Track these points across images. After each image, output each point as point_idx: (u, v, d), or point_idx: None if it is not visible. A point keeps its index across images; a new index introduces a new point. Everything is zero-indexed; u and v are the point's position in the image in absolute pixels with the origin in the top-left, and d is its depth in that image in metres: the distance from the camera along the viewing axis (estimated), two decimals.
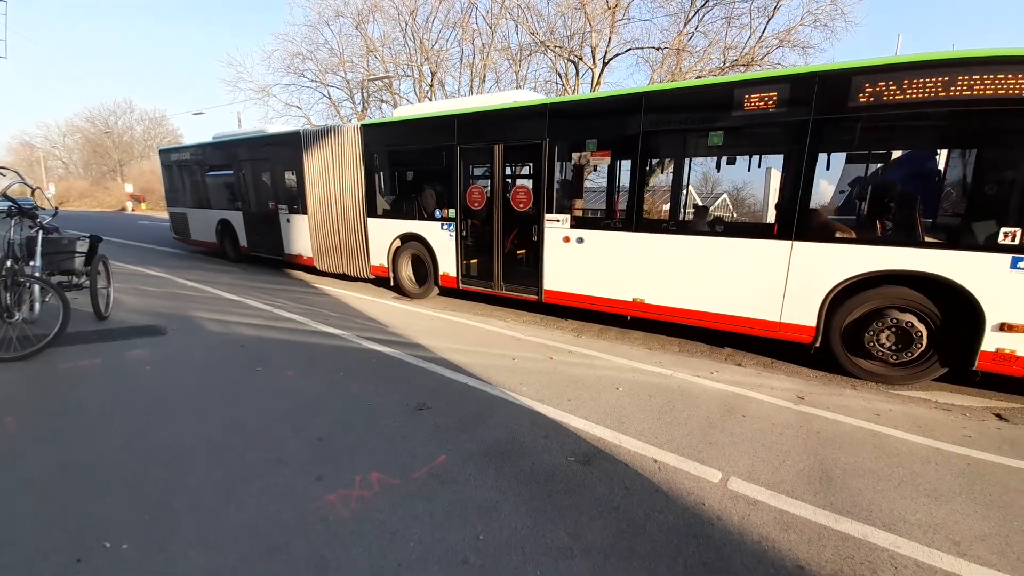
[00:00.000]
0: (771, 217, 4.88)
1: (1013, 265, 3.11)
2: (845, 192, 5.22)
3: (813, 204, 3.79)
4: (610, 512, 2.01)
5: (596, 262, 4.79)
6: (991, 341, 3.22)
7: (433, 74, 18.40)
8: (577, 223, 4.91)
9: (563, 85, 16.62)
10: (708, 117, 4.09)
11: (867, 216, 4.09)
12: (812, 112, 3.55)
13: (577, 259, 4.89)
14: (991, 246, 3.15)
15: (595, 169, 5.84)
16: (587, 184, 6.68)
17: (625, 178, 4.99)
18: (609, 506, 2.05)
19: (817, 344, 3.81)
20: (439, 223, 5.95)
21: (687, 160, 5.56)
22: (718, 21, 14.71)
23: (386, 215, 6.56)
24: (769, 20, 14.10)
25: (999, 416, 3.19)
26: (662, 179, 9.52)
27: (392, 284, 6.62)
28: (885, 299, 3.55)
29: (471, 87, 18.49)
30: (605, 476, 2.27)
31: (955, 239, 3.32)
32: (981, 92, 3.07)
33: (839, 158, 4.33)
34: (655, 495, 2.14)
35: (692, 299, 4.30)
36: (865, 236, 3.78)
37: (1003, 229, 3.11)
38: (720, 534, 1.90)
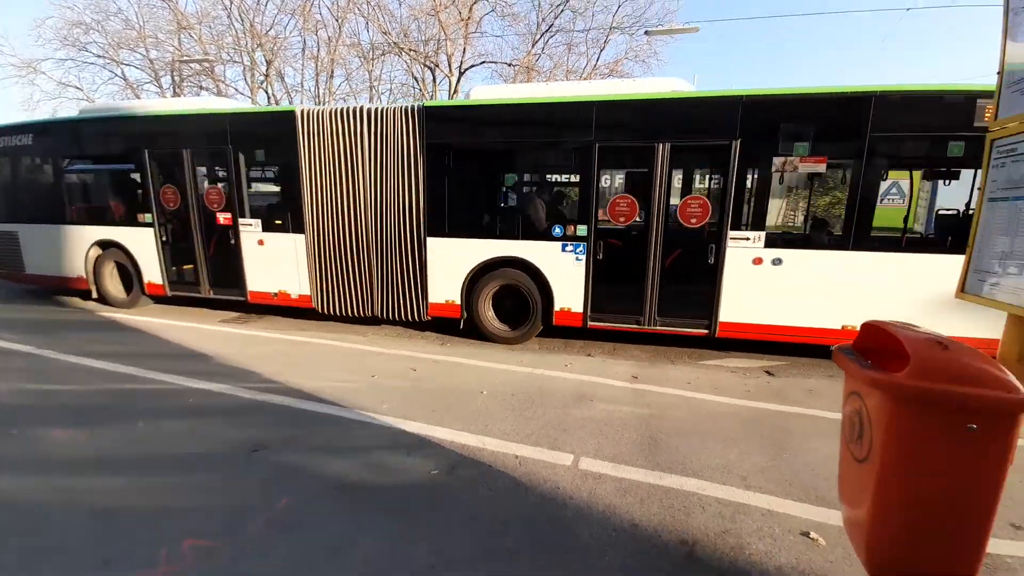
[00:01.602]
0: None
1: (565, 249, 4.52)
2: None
3: None
4: (473, 518, 2.02)
5: (798, 286, 4.17)
6: (558, 303, 4.61)
7: (269, 63, 16.51)
8: (774, 242, 4.20)
9: (420, 90, 16.55)
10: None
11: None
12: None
13: (771, 284, 4.20)
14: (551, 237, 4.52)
15: (797, 177, 5.00)
16: (783, 196, 5.48)
17: (840, 189, 4.48)
18: (472, 512, 2.06)
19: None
20: (559, 243, 4.60)
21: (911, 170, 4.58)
22: (560, 46, 16.41)
23: (459, 234, 4.87)
24: (601, 51, 16.29)
25: (768, 372, 4.14)
26: (885, 190, 7.33)
27: (463, 326, 5.03)
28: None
29: (316, 82, 17.14)
30: (468, 482, 2.27)
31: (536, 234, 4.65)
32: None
33: None
34: (516, 490, 2.23)
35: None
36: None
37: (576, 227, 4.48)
38: (572, 512, 2.07)
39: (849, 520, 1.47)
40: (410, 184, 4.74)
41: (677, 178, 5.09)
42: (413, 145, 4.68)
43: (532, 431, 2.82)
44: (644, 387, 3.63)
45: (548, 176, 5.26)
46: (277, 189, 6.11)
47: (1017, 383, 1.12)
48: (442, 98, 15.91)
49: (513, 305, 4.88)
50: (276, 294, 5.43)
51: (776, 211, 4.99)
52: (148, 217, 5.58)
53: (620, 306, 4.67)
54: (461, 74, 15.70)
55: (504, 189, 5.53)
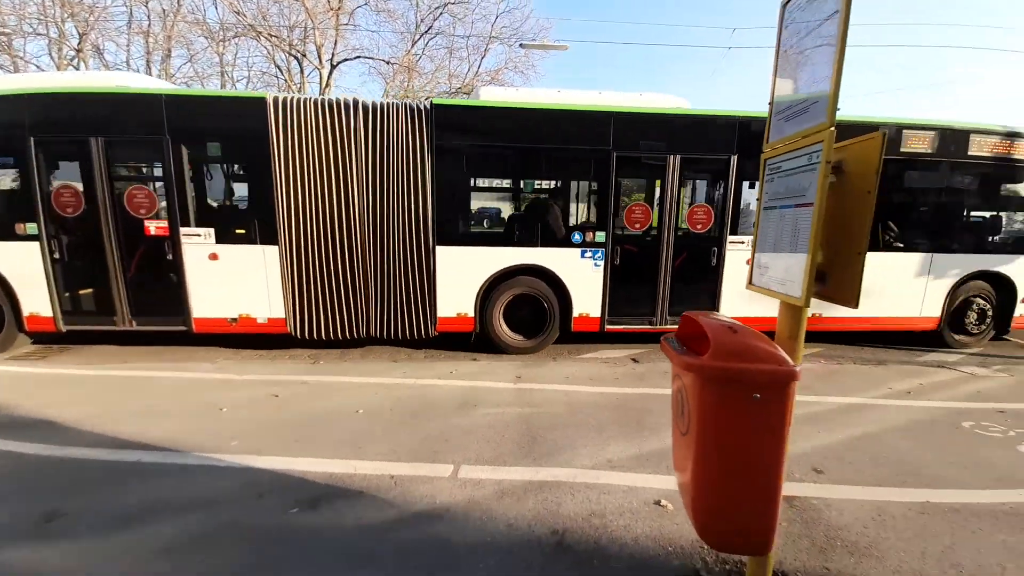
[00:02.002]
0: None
1: (584, 255, 4.69)
2: None
3: None
4: (334, 557, 1.85)
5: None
6: (577, 309, 4.73)
7: (83, 36, 13.49)
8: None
9: (286, 80, 15.07)
10: None
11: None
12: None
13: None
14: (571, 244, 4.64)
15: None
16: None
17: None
18: (336, 548, 1.88)
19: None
20: (578, 250, 4.60)
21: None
22: (441, 50, 16.32)
23: (475, 241, 4.66)
24: (482, 58, 16.60)
25: (634, 360, 4.60)
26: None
27: (475, 338, 4.74)
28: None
29: (147, 61, 14.52)
30: (335, 516, 2.08)
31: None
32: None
33: None
34: (390, 512, 2.10)
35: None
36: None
37: (595, 234, 4.66)
38: (448, 525, 2.02)
39: (680, 486, 1.68)
40: (417, 188, 4.32)
41: (683, 188, 5.17)
42: (420, 146, 4.29)
43: (412, 447, 2.71)
44: (527, 386, 3.75)
45: (566, 183, 5.12)
46: (237, 192, 4.92)
47: (787, 357, 1.38)
48: (312, 91, 14.69)
49: (527, 314, 4.75)
50: (235, 320, 4.45)
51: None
52: (32, 227, 4.22)
53: (635, 309, 4.87)
54: (333, 67, 14.68)
55: (522, 195, 5.27)
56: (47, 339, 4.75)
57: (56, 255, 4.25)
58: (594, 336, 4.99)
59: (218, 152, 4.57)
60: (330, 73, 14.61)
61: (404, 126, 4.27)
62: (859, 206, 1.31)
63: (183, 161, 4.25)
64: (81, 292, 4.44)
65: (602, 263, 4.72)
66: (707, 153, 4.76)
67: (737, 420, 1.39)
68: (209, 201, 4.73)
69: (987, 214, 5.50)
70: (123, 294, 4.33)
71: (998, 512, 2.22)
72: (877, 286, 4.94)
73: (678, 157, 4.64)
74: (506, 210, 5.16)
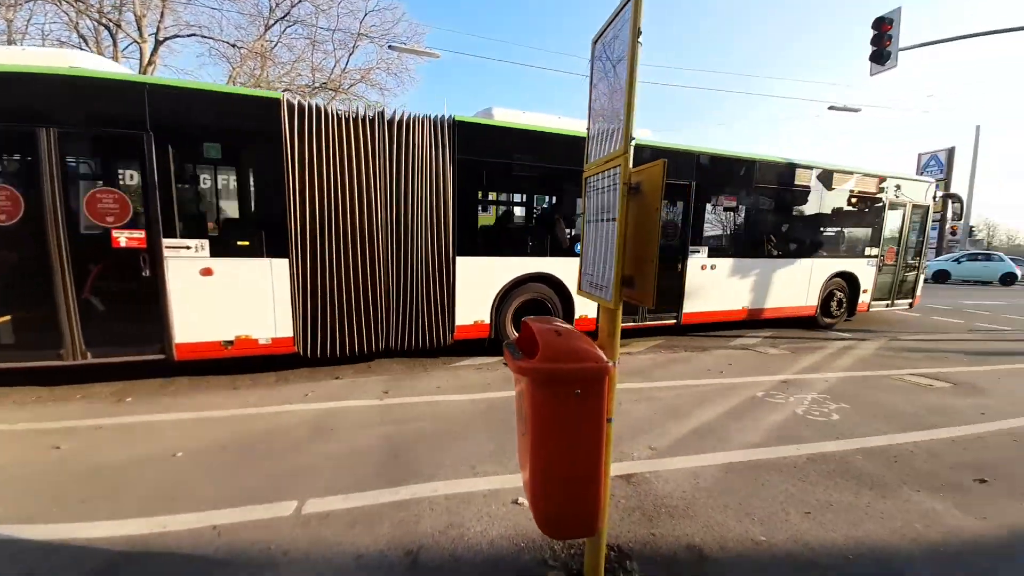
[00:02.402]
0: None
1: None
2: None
3: None
4: None
5: (721, 283, 6.26)
6: (578, 312, 5.38)
7: None
8: (713, 254, 6.14)
9: (96, 54, 12.28)
10: None
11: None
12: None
13: (711, 281, 6.14)
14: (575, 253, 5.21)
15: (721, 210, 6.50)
16: (714, 223, 6.61)
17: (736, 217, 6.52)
18: None
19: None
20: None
21: None
22: (302, 39, 14.96)
23: (493, 252, 4.90)
24: (350, 55, 15.66)
25: (506, 364, 4.75)
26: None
27: (488, 344, 5.05)
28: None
29: None
30: None
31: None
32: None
33: None
34: (210, 572, 1.79)
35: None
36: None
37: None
38: (284, 572, 1.80)
39: (524, 484, 1.75)
40: (439, 200, 4.41)
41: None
42: (443, 160, 4.39)
43: (248, 488, 2.37)
44: (395, 401, 3.59)
45: (569, 198, 5.52)
46: (238, 201, 4.25)
47: (602, 354, 1.54)
48: (129, 66, 12.21)
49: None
50: (231, 342, 3.98)
51: (712, 232, 6.48)
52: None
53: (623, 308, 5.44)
54: (159, 43, 12.45)
55: (534, 209, 5.64)
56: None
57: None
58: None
59: (217, 155, 3.96)
60: (154, 50, 12.36)
61: (427, 139, 4.33)
62: (650, 222, 1.53)
63: (169, 163, 3.63)
64: (8, 318, 3.49)
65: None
66: (675, 180, 5.78)
67: (563, 415, 1.50)
68: (201, 210, 4.11)
69: (838, 230, 7.51)
70: (74, 320, 3.50)
71: (781, 465, 2.79)
72: (782, 284, 6.81)
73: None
74: (524, 223, 5.62)
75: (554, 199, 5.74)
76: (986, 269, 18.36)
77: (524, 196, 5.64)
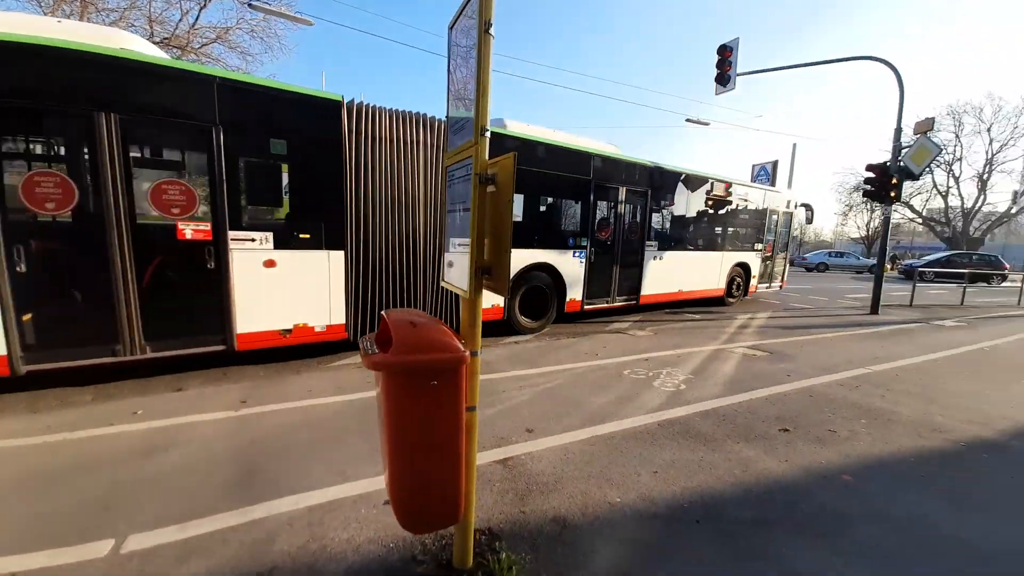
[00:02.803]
0: None
1: (574, 255, 6.37)
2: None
3: None
4: None
5: (672, 268, 7.83)
6: (569, 295, 6.41)
7: None
8: (661, 247, 7.62)
9: None
10: None
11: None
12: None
13: (663, 267, 7.65)
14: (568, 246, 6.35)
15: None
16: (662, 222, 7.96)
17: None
18: None
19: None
20: (572, 251, 6.31)
21: None
22: None
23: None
24: (202, 9, 13.45)
25: None
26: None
27: (502, 324, 5.81)
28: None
29: None
30: None
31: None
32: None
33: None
34: None
35: None
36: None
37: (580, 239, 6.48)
38: None
39: (385, 481, 1.70)
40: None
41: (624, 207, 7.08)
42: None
43: (45, 533, 1.91)
44: (255, 410, 3.21)
45: (564, 200, 6.46)
46: (300, 195, 4.18)
47: (459, 344, 1.54)
48: None
49: (533, 302, 6.05)
50: (289, 331, 4.12)
51: (658, 230, 7.74)
52: (582, 241, 5.76)
53: (599, 293, 6.83)
54: None
55: (541, 209, 6.40)
56: (566, 318, 6.59)
57: (19, 265, 3.03)
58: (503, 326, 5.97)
59: (283, 151, 4.02)
60: None
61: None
62: (505, 213, 1.57)
63: (237, 157, 3.75)
64: (61, 316, 3.28)
65: (584, 260, 6.48)
66: (636, 186, 7.09)
67: (420, 407, 1.48)
68: (266, 204, 4.20)
69: (737, 229, 9.37)
70: (134, 314, 3.42)
71: (638, 433, 3.13)
72: (703, 272, 8.64)
73: (624, 188, 6.90)
74: (534, 221, 6.27)
75: (553, 201, 6.53)
76: (846, 262, 25.68)
77: (537, 199, 6.34)
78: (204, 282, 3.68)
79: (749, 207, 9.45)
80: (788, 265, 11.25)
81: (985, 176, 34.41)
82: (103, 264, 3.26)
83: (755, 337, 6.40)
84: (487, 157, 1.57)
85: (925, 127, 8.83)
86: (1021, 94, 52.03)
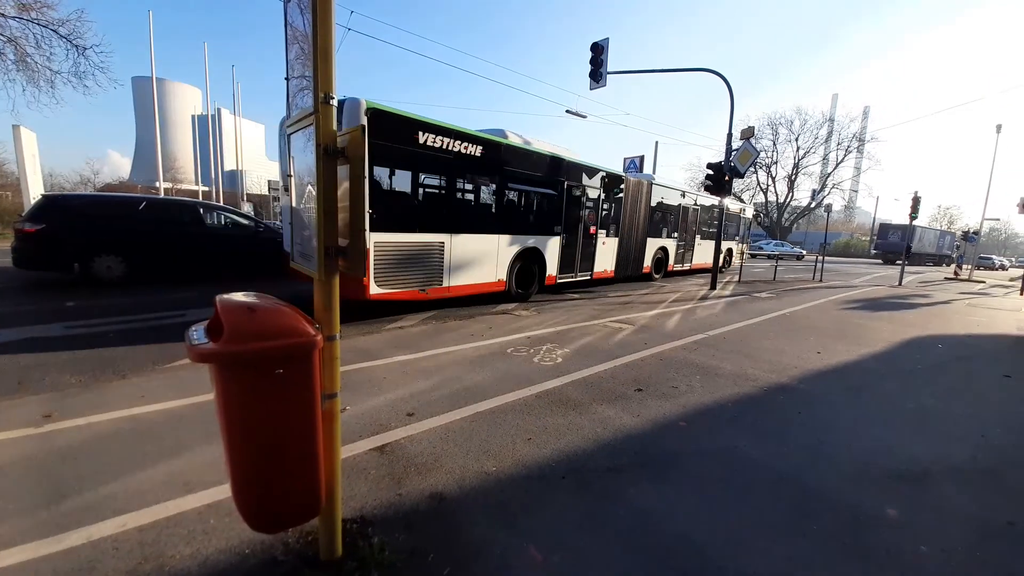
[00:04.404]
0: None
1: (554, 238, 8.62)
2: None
3: None
4: None
5: (612, 250, 10.43)
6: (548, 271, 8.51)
7: None
8: (604, 232, 10.08)
9: None
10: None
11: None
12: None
13: (608, 249, 10.24)
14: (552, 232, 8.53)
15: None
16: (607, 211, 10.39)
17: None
18: None
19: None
20: (555, 236, 8.53)
21: None
22: None
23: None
24: None
25: None
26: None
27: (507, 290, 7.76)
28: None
29: None
30: None
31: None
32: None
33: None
34: None
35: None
36: None
37: (556, 227, 8.50)
38: None
39: (230, 485, 1.55)
40: None
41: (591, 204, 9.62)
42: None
43: None
44: (61, 425, 2.63)
45: (548, 196, 8.28)
46: (605, 214, 9.96)
47: (310, 328, 1.45)
48: None
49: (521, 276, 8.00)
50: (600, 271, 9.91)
51: (605, 219, 10.11)
52: (558, 228, 8.52)
53: (566, 269, 8.92)
54: None
55: (532, 204, 8.17)
56: (547, 290, 8.98)
57: (565, 244, 8.59)
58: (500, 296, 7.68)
59: (605, 196, 9.75)
60: None
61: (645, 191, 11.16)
62: (357, 189, 1.50)
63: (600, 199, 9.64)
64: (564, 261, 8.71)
65: (558, 243, 8.55)
66: (592, 187, 9.38)
67: (264, 400, 1.36)
68: (604, 217, 9.82)
69: (660, 221, 12.40)
70: (578, 260, 9.11)
71: (517, 406, 3.30)
72: (636, 253, 11.30)
73: (586, 188, 9.16)
74: (523, 212, 8.04)
75: (540, 193, 8.15)
76: (782, 248, 31.07)
77: (523, 195, 8.01)
78: (593, 251, 9.54)
79: (674, 205, 12.70)
80: (694, 250, 14.53)
81: (793, 177, 42.84)
82: (575, 246, 8.98)
83: (623, 312, 7.18)
84: (334, 128, 1.48)
85: (748, 134, 10.66)
86: (821, 110, 65.14)
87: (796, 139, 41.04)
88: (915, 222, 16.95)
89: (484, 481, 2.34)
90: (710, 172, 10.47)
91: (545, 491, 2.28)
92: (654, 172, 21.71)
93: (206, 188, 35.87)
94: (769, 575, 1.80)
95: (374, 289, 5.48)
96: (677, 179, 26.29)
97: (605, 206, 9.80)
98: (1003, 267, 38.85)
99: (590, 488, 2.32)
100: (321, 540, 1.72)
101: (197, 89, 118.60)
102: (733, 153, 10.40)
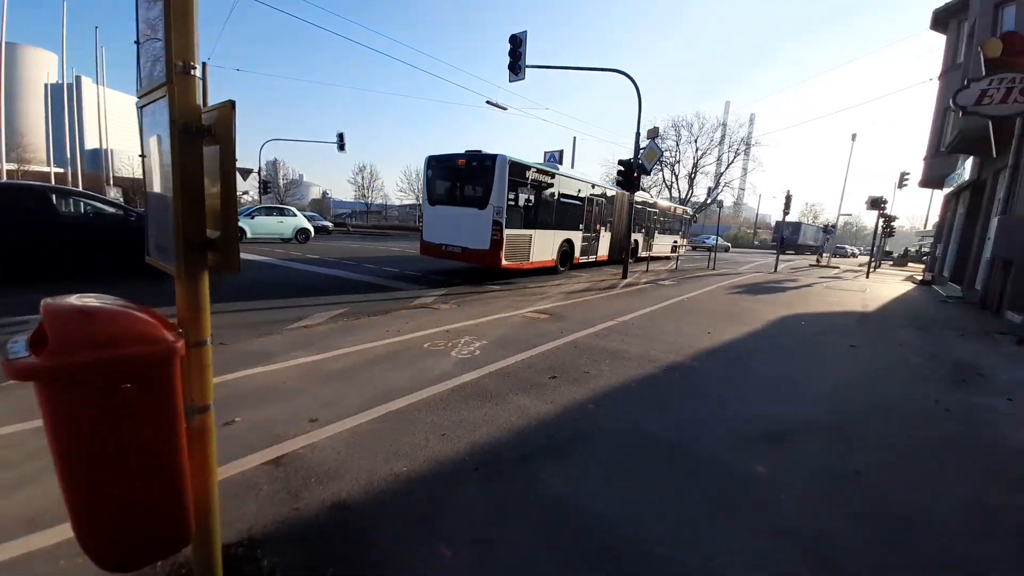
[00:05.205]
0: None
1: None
2: None
3: None
4: None
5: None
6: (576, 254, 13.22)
7: None
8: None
9: None
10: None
11: None
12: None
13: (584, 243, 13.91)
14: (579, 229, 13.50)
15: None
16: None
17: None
18: None
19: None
20: (579, 232, 13.06)
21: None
22: None
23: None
24: None
25: None
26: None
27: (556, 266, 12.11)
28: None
29: None
30: None
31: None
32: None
33: None
34: None
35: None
36: None
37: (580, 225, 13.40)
38: None
39: (70, 521, 1.30)
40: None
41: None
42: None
43: None
44: None
45: (577, 205, 12.80)
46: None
47: (167, 334, 1.25)
48: None
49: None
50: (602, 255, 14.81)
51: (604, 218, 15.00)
52: (581, 226, 13.19)
53: (585, 253, 13.62)
54: None
55: (565, 210, 12.27)
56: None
57: (584, 237, 13.44)
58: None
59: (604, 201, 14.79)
60: None
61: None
62: (230, 174, 1.32)
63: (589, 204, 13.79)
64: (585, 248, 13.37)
65: (580, 236, 12.97)
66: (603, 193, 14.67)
67: (106, 422, 1.16)
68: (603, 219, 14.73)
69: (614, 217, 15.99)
70: (593, 247, 14.26)
71: (432, 402, 3.23)
72: (600, 246, 14.92)
73: (602, 199, 14.36)
74: (559, 216, 12.13)
75: (573, 207, 12.42)
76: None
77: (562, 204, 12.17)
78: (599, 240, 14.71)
79: (630, 205, 14.68)
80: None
81: (693, 175, 47.09)
82: (625, 236, 13.64)
83: (542, 302, 7.39)
84: (197, 103, 1.29)
85: (653, 134, 11.51)
86: (716, 115, 72.06)
87: (695, 141, 45.23)
88: (788, 218, 19.64)
89: (393, 484, 2.25)
90: (621, 168, 11.12)
91: (457, 486, 2.26)
92: (573, 166, 22.55)
93: (61, 170, 30.15)
94: (663, 537, 1.96)
95: (504, 263, 9.82)
96: (594, 173, 28.31)
97: (601, 209, 14.37)
98: (854, 255, 46.53)
99: (502, 478, 2.35)
100: (195, 572, 1.53)
101: (52, 54, 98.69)
102: (641, 151, 11.14)
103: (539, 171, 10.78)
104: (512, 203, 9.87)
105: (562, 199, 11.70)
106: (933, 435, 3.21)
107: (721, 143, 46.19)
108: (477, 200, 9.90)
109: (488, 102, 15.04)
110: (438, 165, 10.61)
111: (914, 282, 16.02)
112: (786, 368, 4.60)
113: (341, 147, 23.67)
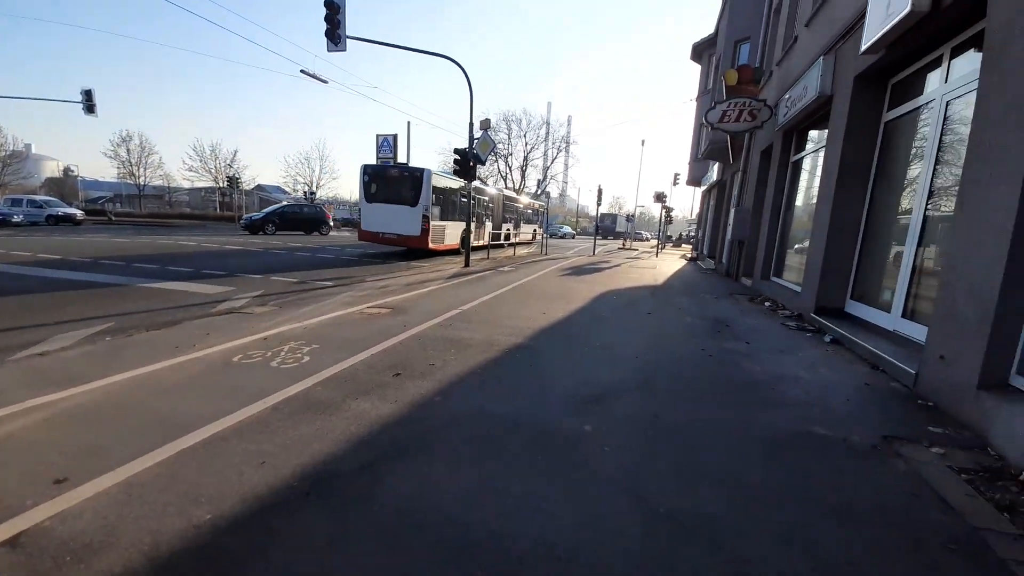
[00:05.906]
0: None
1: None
2: None
3: None
4: None
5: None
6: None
7: None
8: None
9: None
10: None
11: None
12: None
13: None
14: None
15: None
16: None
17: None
18: None
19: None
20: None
21: None
22: None
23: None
24: None
25: None
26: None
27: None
28: None
29: None
30: None
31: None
32: None
33: None
34: None
35: None
36: None
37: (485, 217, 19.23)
38: None
39: None
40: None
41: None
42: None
43: None
44: None
45: (471, 203, 14.53)
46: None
47: None
48: None
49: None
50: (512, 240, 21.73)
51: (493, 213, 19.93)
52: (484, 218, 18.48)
53: (477, 239, 16.87)
54: None
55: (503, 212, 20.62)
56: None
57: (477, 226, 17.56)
58: None
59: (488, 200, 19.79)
60: None
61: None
62: None
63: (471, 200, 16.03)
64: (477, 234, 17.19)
65: (474, 225, 16.31)
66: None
67: None
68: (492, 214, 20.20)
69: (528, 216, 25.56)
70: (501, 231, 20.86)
71: (245, 426, 2.66)
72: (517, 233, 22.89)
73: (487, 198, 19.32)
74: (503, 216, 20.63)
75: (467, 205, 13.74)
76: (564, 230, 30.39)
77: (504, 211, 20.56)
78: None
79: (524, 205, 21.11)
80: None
81: (524, 167, 50.77)
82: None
83: (382, 296, 6.97)
84: None
85: (486, 125, 11.90)
86: (540, 113, 78.61)
87: (524, 135, 48.84)
88: (601, 209, 23.11)
89: (194, 539, 1.79)
90: (457, 157, 11.21)
91: (285, 518, 1.93)
92: (408, 153, 21.85)
93: None
94: (515, 510, 2.03)
95: (431, 245, 13.68)
96: (431, 162, 31.54)
97: (485, 206, 18.14)
98: (647, 239, 57.34)
99: (339, 495, 2.10)
100: None
101: None
102: (475, 141, 11.41)
103: (449, 179, 14.46)
104: (434, 202, 13.79)
105: (462, 198, 14.30)
106: (702, 375, 4.13)
107: (546, 139, 50.99)
108: (410, 199, 13.48)
109: (303, 71, 13.31)
110: (375, 172, 14.23)
111: (686, 259, 20.60)
112: (604, 338, 5.33)
113: (90, 108, 18.05)
